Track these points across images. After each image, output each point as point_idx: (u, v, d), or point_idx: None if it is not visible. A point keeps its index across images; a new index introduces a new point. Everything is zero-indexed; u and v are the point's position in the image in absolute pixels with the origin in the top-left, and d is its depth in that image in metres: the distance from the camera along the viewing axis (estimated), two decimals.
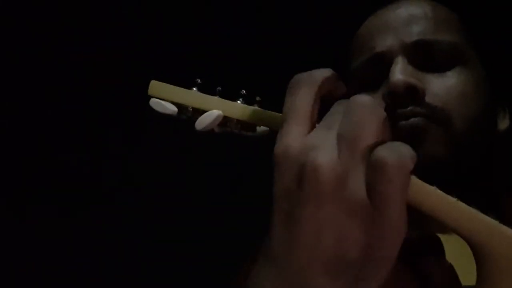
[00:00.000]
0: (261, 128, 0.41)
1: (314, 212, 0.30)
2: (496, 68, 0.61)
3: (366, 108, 0.31)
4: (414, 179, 0.35)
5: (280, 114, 0.42)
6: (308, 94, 0.33)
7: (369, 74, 0.59)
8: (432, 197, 0.34)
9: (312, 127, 0.33)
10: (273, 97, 0.39)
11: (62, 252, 1.04)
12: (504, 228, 0.35)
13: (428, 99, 0.55)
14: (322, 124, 0.32)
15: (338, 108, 0.33)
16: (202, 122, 0.41)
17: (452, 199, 0.35)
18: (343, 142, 0.30)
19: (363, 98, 0.31)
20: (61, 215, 1.07)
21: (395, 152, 0.30)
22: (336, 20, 0.92)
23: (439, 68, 0.57)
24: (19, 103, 1.09)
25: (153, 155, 1.09)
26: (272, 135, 0.43)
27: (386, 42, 0.58)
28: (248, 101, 0.41)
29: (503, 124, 0.61)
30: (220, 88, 0.42)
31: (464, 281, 0.48)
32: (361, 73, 0.60)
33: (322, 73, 0.34)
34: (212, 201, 1.03)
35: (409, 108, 0.54)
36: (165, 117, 0.43)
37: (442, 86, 0.56)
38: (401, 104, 0.54)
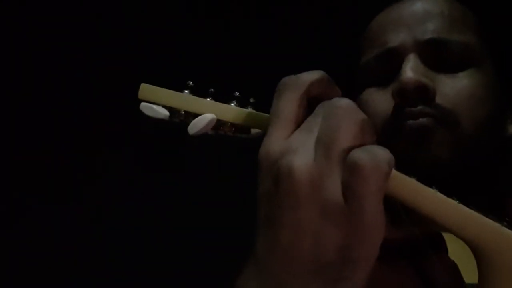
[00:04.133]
0: (255, 130, 0.40)
1: (291, 215, 0.30)
2: (507, 72, 0.59)
3: (344, 111, 0.31)
4: (414, 182, 0.34)
5: None
6: (292, 98, 0.34)
7: (380, 70, 0.58)
8: (432, 200, 0.34)
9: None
10: (267, 98, 0.38)
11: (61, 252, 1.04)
12: (506, 231, 0.34)
13: (438, 99, 0.53)
14: (303, 126, 0.33)
15: (320, 110, 0.33)
16: (195, 126, 0.39)
17: (453, 202, 0.34)
18: (320, 145, 0.31)
19: (342, 101, 0.32)
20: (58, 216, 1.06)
21: (370, 153, 0.30)
22: (333, 18, 0.90)
23: (451, 68, 0.56)
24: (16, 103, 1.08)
25: (148, 158, 1.08)
26: None
27: (398, 38, 0.57)
28: (241, 103, 0.40)
29: (511, 128, 0.60)
30: (212, 90, 0.41)
31: (467, 278, 0.48)
32: (371, 67, 0.59)
33: (309, 76, 0.34)
34: (209, 202, 1.03)
35: (418, 108, 0.52)
36: (156, 121, 0.41)
37: (453, 88, 0.54)
38: (411, 103, 0.53)
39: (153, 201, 1.06)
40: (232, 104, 0.40)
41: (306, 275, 0.31)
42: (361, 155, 0.30)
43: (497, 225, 0.34)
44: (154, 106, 0.41)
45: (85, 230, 1.05)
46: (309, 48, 0.96)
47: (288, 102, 0.34)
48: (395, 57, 0.56)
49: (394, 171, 0.34)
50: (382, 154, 0.30)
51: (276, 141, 0.33)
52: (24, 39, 1.07)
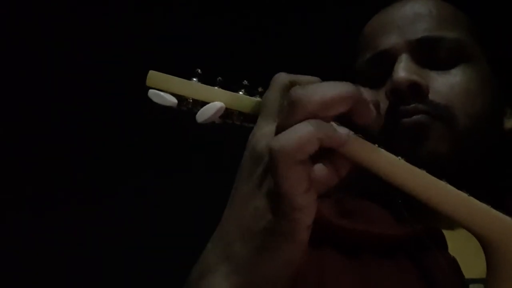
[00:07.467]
0: None
1: (243, 186, 0.36)
2: (503, 67, 0.60)
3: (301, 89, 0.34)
4: (424, 175, 0.34)
5: None
6: (274, 92, 0.38)
7: (374, 72, 0.59)
8: (443, 192, 0.34)
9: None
10: None
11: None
12: None
13: (431, 96, 0.54)
14: None
15: None
16: (204, 114, 0.39)
17: (464, 195, 0.34)
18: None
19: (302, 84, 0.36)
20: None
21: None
22: (338, 14, 0.90)
23: (444, 65, 0.57)
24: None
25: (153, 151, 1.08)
26: None
27: (390, 40, 0.58)
28: (250, 92, 0.40)
29: (510, 123, 0.61)
30: (220, 78, 0.41)
31: (467, 274, 0.48)
32: (365, 70, 0.60)
33: (291, 75, 0.39)
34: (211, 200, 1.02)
35: (412, 105, 0.53)
36: (164, 109, 0.41)
37: (446, 83, 0.55)
38: (404, 101, 0.54)
39: (155, 202, 1.05)
40: (240, 92, 0.40)
41: (241, 240, 0.35)
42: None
43: (507, 218, 0.34)
44: (162, 93, 0.40)
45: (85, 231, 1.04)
46: (312, 42, 0.96)
47: (271, 96, 0.38)
48: (388, 59, 0.57)
49: (406, 163, 0.34)
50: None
51: (260, 129, 0.36)
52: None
